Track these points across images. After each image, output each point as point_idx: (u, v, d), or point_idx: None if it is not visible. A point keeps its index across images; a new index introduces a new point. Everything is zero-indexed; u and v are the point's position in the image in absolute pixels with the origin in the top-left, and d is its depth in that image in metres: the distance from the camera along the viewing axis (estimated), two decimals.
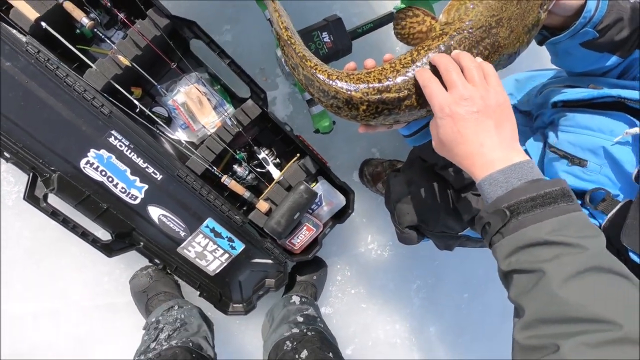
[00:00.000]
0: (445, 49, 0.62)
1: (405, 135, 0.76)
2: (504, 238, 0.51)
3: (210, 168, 1.11)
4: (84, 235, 1.14)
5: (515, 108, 1.06)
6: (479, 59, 0.61)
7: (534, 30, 0.65)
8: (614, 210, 0.65)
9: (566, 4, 0.66)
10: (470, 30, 0.61)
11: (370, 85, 0.63)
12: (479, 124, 0.56)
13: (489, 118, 0.56)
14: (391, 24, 1.23)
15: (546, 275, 0.45)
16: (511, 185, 0.52)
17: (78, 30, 1.05)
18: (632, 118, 0.70)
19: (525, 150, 0.91)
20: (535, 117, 0.95)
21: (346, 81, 0.64)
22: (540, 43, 0.78)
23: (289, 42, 0.68)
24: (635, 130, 0.66)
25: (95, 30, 1.00)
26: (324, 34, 1.02)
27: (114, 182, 1.13)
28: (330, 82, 0.64)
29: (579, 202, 0.74)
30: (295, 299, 1.31)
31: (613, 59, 0.74)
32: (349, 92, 0.63)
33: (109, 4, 0.99)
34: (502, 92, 0.58)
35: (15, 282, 1.29)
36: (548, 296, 0.45)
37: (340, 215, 1.29)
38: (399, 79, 0.62)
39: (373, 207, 1.52)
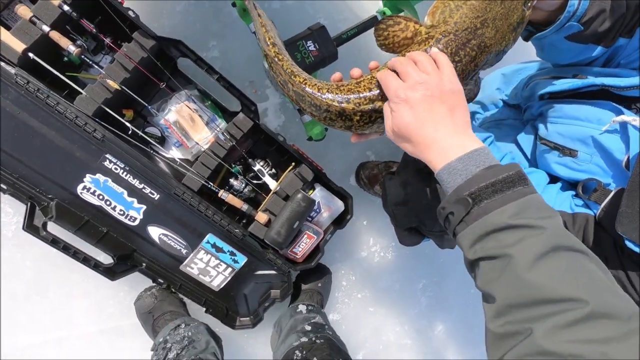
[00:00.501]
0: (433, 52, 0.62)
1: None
2: (468, 226, 0.51)
3: (206, 184, 1.11)
4: (86, 260, 1.14)
5: (504, 102, 1.07)
6: (434, 49, 0.61)
7: (519, 28, 0.66)
8: (606, 200, 0.65)
9: (549, 1, 0.67)
10: (456, 33, 0.62)
11: (362, 95, 0.63)
12: (433, 108, 0.56)
13: (443, 103, 0.57)
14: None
15: (513, 259, 0.46)
16: (470, 172, 0.52)
17: (66, 58, 1.05)
18: (617, 106, 0.70)
19: (517, 144, 0.92)
20: (524, 110, 0.96)
21: (337, 93, 0.64)
22: (526, 39, 0.79)
23: (276, 59, 0.68)
24: (621, 118, 0.66)
25: (83, 56, 1.01)
26: (309, 43, 1.03)
27: (112, 205, 1.13)
28: (321, 95, 0.64)
29: (573, 192, 0.75)
30: (302, 307, 1.30)
31: (598, 49, 0.75)
32: (341, 105, 0.63)
33: (94, 30, 1.00)
34: (456, 81, 0.59)
35: (19, 315, 1.28)
36: (516, 281, 0.45)
37: (340, 221, 1.29)
38: None
39: (372, 209, 1.53)
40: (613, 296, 0.43)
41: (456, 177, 0.53)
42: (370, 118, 0.65)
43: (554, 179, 0.81)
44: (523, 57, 1.19)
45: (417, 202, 0.88)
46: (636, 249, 0.59)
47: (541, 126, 0.84)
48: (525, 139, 0.90)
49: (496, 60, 0.69)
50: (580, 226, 0.69)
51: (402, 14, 1.25)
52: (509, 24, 0.64)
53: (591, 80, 0.74)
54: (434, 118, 0.56)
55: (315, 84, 0.66)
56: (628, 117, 0.66)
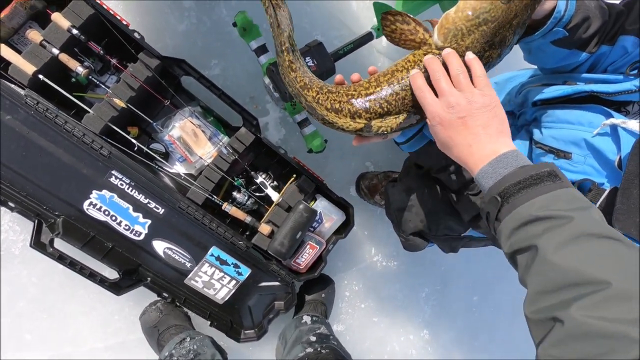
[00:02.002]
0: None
1: (400, 142, 0.80)
2: (501, 223, 0.55)
3: (210, 197, 1.13)
4: (92, 275, 1.16)
5: None
6: (470, 55, 0.64)
7: (515, 42, 0.70)
8: (601, 199, 0.68)
9: (540, 9, 0.70)
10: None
11: (371, 107, 0.67)
12: (466, 128, 0.61)
13: (475, 121, 0.61)
14: (369, 44, 1.30)
15: (539, 249, 0.49)
16: (499, 174, 0.57)
17: (74, 79, 1.09)
18: (607, 109, 0.74)
19: None
20: (518, 116, 1.00)
21: (337, 97, 0.67)
22: (515, 42, 0.83)
23: (287, 60, 0.70)
24: (611, 121, 0.70)
25: (90, 77, 1.05)
26: (308, 59, 1.07)
27: (118, 221, 1.15)
28: (325, 113, 0.68)
29: None
30: (307, 318, 1.31)
31: (582, 55, 0.78)
32: (355, 123, 0.67)
33: (101, 51, 1.04)
34: (489, 92, 0.63)
35: (25, 333, 1.29)
36: (542, 267, 0.48)
37: (342, 230, 1.31)
38: (386, 97, 0.66)
39: (373, 219, 1.55)
40: None
41: (488, 180, 0.58)
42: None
43: None
44: (515, 66, 1.23)
45: (420, 207, 0.90)
46: (635, 244, 0.61)
47: (536, 131, 0.87)
48: (521, 144, 0.93)
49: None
50: None
51: None
52: (510, 41, 0.67)
53: (581, 87, 0.78)
54: (467, 137, 0.61)
55: (319, 86, 0.68)
56: (617, 119, 0.69)
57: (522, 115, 0.96)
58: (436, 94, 0.64)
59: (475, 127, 0.61)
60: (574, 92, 0.79)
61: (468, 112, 0.61)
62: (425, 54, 0.67)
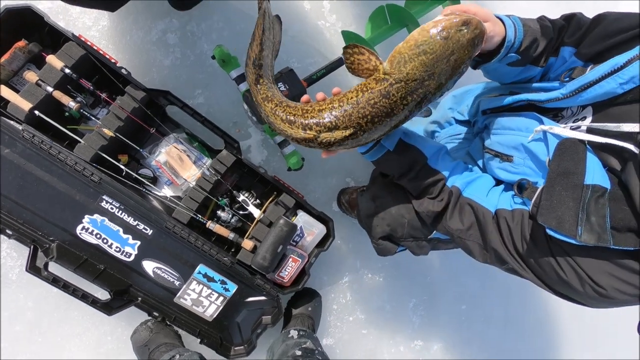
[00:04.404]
0: (386, 93, 0.73)
1: (362, 152, 0.88)
2: None
3: (194, 216, 1.20)
4: (84, 297, 1.21)
5: (456, 120, 1.19)
6: None
7: (457, 79, 0.78)
8: (535, 195, 0.74)
9: (491, 42, 0.79)
10: (407, 82, 0.73)
11: (322, 122, 0.75)
12: None
13: None
14: (342, 67, 1.40)
15: None
16: None
17: (67, 113, 1.19)
18: (539, 116, 0.82)
19: (469, 153, 1.02)
20: (473, 124, 1.08)
21: (303, 118, 0.75)
22: (474, 67, 0.92)
23: (256, 81, 0.79)
24: (541, 127, 0.77)
25: (82, 110, 1.14)
26: (280, 84, 1.17)
27: (109, 243, 1.22)
28: (284, 128, 0.76)
29: (511, 193, 0.84)
30: (293, 333, 1.34)
31: (535, 70, 0.88)
32: (304, 135, 0.75)
33: (92, 87, 1.14)
34: None
35: (21, 356, 1.33)
36: None
37: (324, 243, 1.37)
38: (346, 116, 0.74)
39: (356, 233, 1.60)
40: None
41: None
42: (329, 143, 0.75)
43: (499, 182, 0.91)
44: (473, 80, 1.33)
45: (386, 212, 0.96)
46: (555, 235, 0.67)
47: (486, 137, 0.95)
48: (476, 150, 1.01)
49: (432, 102, 0.81)
50: (518, 220, 0.77)
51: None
52: (450, 78, 0.75)
53: (519, 96, 0.87)
54: None
55: (287, 105, 0.77)
56: (546, 126, 0.77)
57: (476, 124, 1.04)
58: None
59: None
60: (514, 101, 0.87)
61: None
62: (374, 79, 0.75)
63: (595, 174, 0.67)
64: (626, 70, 0.66)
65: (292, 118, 0.77)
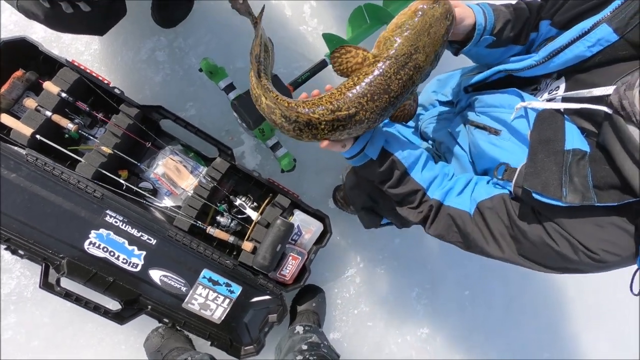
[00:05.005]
0: (380, 71, 0.79)
1: (347, 157, 0.92)
2: None
3: (194, 223, 1.26)
4: (96, 308, 1.27)
5: (439, 102, 1.23)
6: None
7: (441, 52, 0.84)
8: (515, 175, 0.78)
9: (462, 26, 0.85)
10: (396, 57, 0.79)
11: (324, 107, 0.78)
12: None
13: None
14: (325, 69, 1.45)
15: None
16: None
17: (67, 135, 1.25)
18: (520, 92, 0.85)
19: (450, 133, 1.06)
20: (456, 104, 1.12)
21: (304, 106, 0.79)
22: (455, 54, 0.97)
23: (257, 75, 0.82)
24: (521, 104, 0.81)
25: (80, 131, 1.21)
26: None
27: (116, 255, 1.28)
28: (292, 108, 0.78)
29: (486, 179, 0.88)
30: (299, 328, 1.39)
31: (517, 48, 0.92)
32: (308, 115, 0.78)
33: (88, 109, 1.20)
34: None
35: None
36: None
37: (322, 240, 1.42)
38: (347, 100, 0.78)
39: (354, 227, 1.64)
40: None
41: None
42: (333, 126, 0.79)
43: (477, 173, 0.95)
44: (456, 65, 1.36)
45: (366, 183, 1.00)
46: (542, 199, 0.70)
47: (471, 114, 0.99)
48: (456, 128, 1.04)
49: (426, 77, 0.86)
50: (500, 204, 0.80)
51: None
52: (434, 50, 0.81)
53: (496, 67, 0.90)
54: None
55: (286, 99, 0.80)
56: (525, 102, 0.80)
57: (459, 103, 1.08)
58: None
59: None
60: (493, 73, 0.91)
61: None
62: (367, 65, 0.80)
63: (574, 139, 0.71)
64: (593, 34, 0.71)
65: (294, 105, 0.80)
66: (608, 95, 0.67)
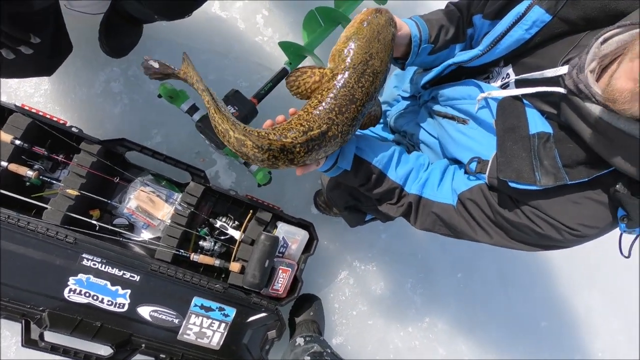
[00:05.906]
0: (342, 83, 0.79)
1: (323, 171, 0.91)
2: None
3: (177, 252, 1.22)
4: (87, 358, 1.21)
5: (402, 97, 1.24)
6: None
7: (391, 57, 0.86)
8: (488, 167, 0.80)
9: (401, 37, 0.87)
10: (354, 67, 0.80)
11: (295, 129, 0.77)
12: None
13: None
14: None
15: None
16: None
17: (28, 183, 1.20)
18: (477, 82, 0.87)
19: (419, 124, 1.07)
20: (419, 97, 1.13)
21: (275, 134, 0.77)
22: (402, 69, 0.98)
23: (217, 112, 0.79)
24: (481, 95, 0.83)
25: (42, 177, 1.15)
26: (229, 106, 1.20)
27: (100, 299, 1.23)
28: (263, 136, 0.76)
29: (461, 169, 0.89)
30: (300, 340, 1.37)
31: (458, 46, 0.94)
32: (280, 140, 0.75)
33: (46, 152, 1.15)
34: None
35: None
36: None
37: (309, 247, 1.40)
38: (317, 118, 0.77)
39: (339, 230, 1.64)
40: None
41: None
42: (309, 147, 0.77)
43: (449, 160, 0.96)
44: None
45: (346, 185, 1.00)
46: (518, 186, 0.72)
47: (436, 106, 1.00)
48: (423, 120, 1.06)
49: (384, 82, 0.86)
50: (479, 195, 0.82)
51: (304, 61, 1.46)
52: (387, 54, 0.83)
53: (445, 63, 0.92)
54: None
55: (255, 129, 0.78)
56: (484, 93, 0.82)
57: (421, 97, 1.09)
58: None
59: None
60: (443, 68, 0.93)
61: None
62: (326, 81, 0.80)
63: (537, 123, 0.73)
64: (527, 17, 0.74)
65: (264, 134, 0.77)
66: (559, 76, 0.69)
